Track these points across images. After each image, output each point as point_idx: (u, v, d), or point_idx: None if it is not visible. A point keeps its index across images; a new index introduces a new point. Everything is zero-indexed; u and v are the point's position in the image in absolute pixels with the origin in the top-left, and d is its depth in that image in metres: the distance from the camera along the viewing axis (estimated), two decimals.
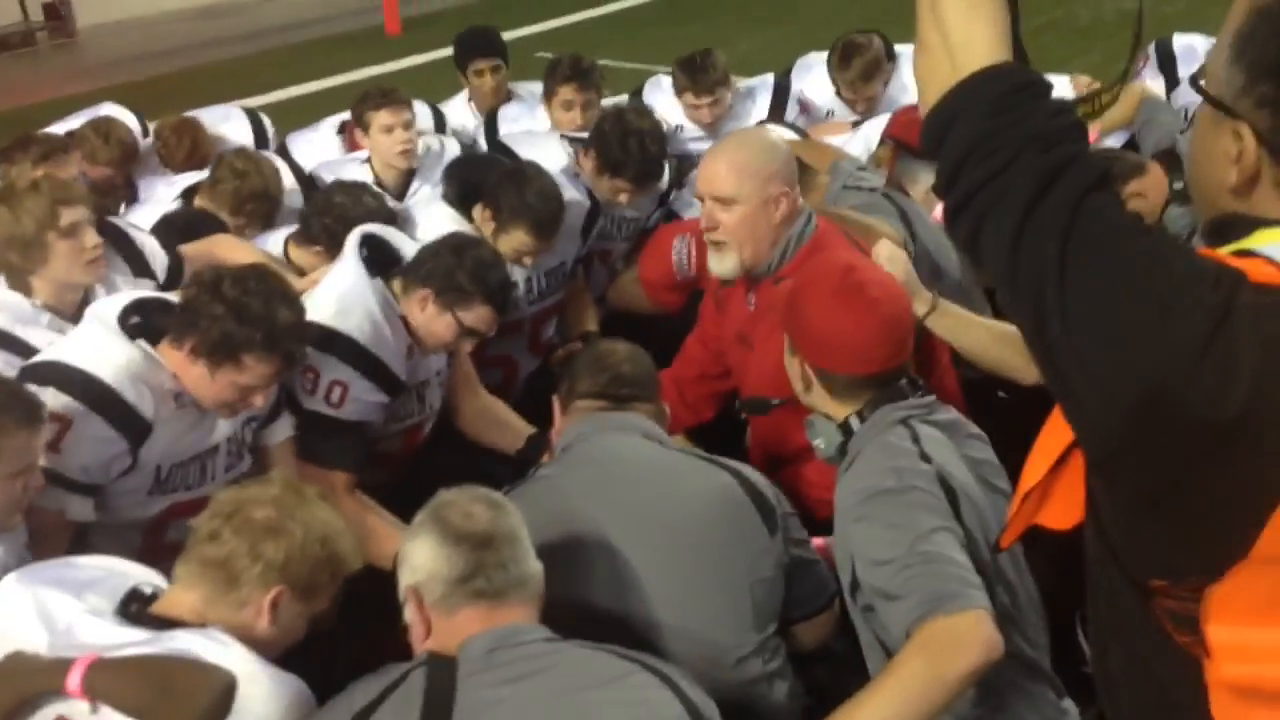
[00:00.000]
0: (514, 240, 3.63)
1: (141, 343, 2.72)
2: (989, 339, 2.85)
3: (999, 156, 1.32)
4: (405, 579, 2.07)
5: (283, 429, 3.08)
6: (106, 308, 2.78)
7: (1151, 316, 1.25)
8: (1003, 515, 2.28)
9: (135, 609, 2.09)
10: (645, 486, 2.47)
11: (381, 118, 4.46)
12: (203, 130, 5.05)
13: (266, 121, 5.49)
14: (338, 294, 3.14)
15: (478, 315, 3.20)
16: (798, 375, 2.53)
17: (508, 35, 11.27)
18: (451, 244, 3.24)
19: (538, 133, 4.72)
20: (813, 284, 2.56)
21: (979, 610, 1.97)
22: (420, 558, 2.05)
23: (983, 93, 1.35)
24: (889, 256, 2.86)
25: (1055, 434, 1.47)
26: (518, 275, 3.74)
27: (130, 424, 2.66)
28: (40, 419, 2.44)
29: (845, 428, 2.44)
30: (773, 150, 3.11)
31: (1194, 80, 1.38)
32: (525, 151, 4.16)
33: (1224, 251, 1.35)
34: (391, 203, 4.09)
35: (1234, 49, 1.35)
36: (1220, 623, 1.33)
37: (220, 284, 2.71)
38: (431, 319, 3.20)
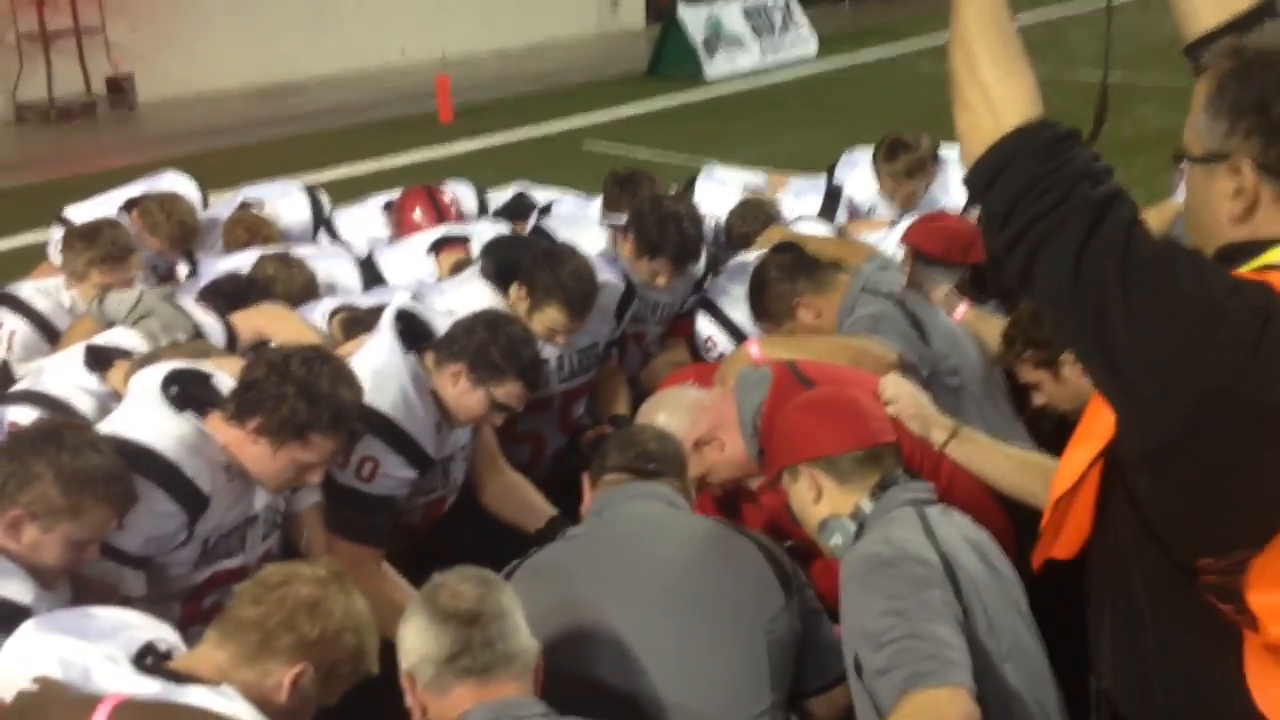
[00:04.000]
0: (547, 318, 3.69)
1: (190, 415, 2.77)
2: (1008, 466, 2.89)
3: (1054, 194, 1.56)
4: (401, 665, 2.14)
5: (309, 494, 3.11)
6: (149, 379, 2.83)
7: (1209, 320, 1.48)
8: (1005, 593, 2.36)
9: (150, 662, 2.12)
10: (664, 548, 2.57)
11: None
12: (270, 225, 5.16)
13: (324, 197, 5.61)
14: (372, 369, 3.16)
15: (509, 391, 3.25)
16: (806, 492, 2.56)
17: (556, 127, 11.70)
18: (485, 320, 3.29)
19: (577, 216, 4.81)
20: (777, 415, 2.74)
21: (957, 686, 2.02)
22: (411, 641, 2.12)
23: (1031, 142, 1.60)
24: (893, 394, 2.94)
25: (1082, 447, 1.70)
26: (550, 353, 3.79)
27: (190, 498, 2.70)
28: (129, 509, 2.55)
29: (857, 515, 2.48)
30: (675, 416, 3.10)
31: (1177, 158, 1.71)
32: (564, 234, 4.25)
33: (1243, 270, 1.57)
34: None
35: (1209, 109, 1.63)
36: (1262, 590, 1.53)
37: (289, 364, 2.76)
38: (464, 394, 3.25)
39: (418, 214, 5.24)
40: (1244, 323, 1.48)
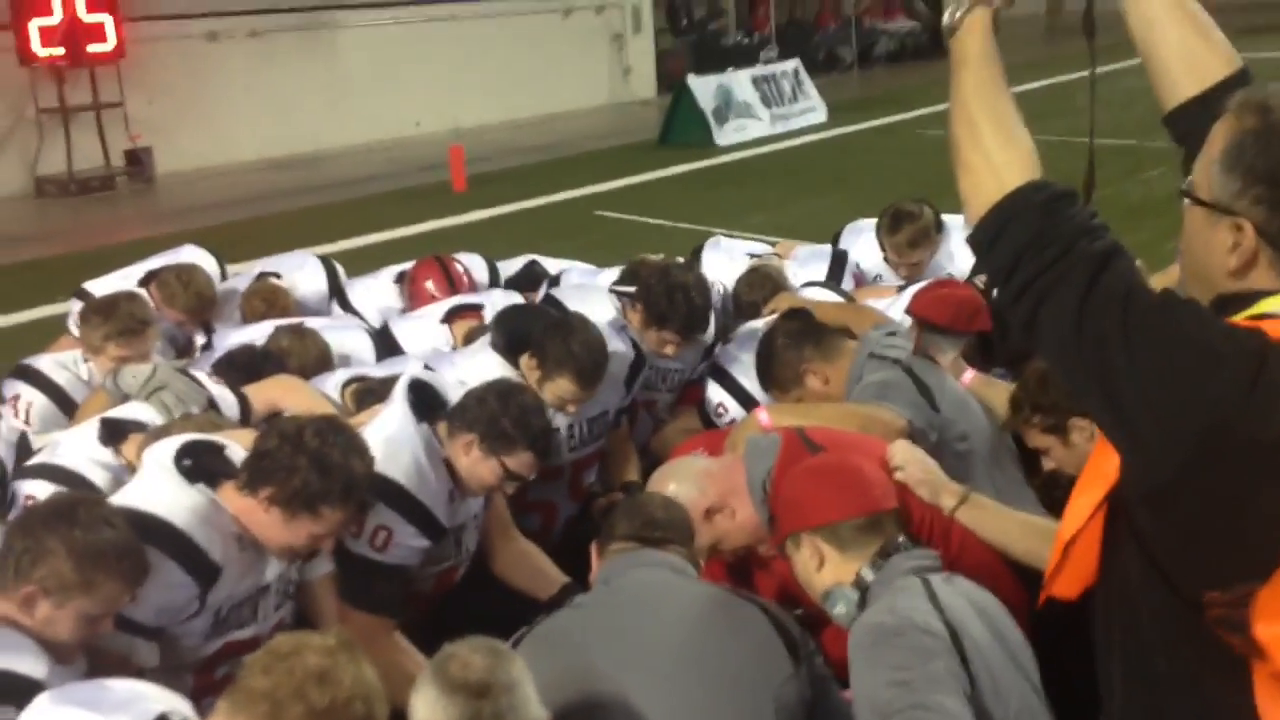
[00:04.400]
0: (558, 388, 3.73)
1: (202, 486, 2.80)
2: (1019, 531, 2.91)
3: (1056, 247, 1.65)
4: None
5: (323, 564, 3.12)
6: (163, 452, 2.86)
7: (1207, 363, 1.57)
8: (1012, 659, 2.35)
9: None
10: (671, 615, 2.57)
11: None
12: (287, 296, 5.22)
13: (340, 269, 5.68)
14: (385, 439, 3.19)
15: (521, 460, 3.28)
16: (809, 560, 2.57)
17: (567, 195, 11.83)
18: (496, 390, 3.33)
19: (587, 286, 4.86)
20: (784, 480, 2.76)
21: None
22: (421, 712, 2.12)
23: (1032, 200, 1.70)
24: (902, 460, 2.96)
25: (1088, 492, 1.79)
26: (560, 422, 3.83)
27: (202, 569, 2.72)
28: (141, 582, 2.57)
29: (859, 583, 2.49)
30: (684, 484, 3.10)
31: (1183, 193, 1.78)
32: (574, 304, 4.30)
33: (1236, 318, 1.66)
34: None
35: (1225, 162, 1.69)
36: (1267, 621, 1.59)
37: (302, 435, 2.78)
38: (476, 463, 3.28)
39: (430, 285, 5.29)
40: (1240, 365, 1.56)
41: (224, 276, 5.46)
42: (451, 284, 5.27)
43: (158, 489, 2.77)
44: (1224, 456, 1.57)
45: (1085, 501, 1.80)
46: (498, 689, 2.10)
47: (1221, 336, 1.60)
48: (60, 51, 12.41)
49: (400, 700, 2.25)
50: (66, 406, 4.10)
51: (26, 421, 4.01)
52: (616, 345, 4.03)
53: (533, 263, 5.74)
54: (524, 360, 3.84)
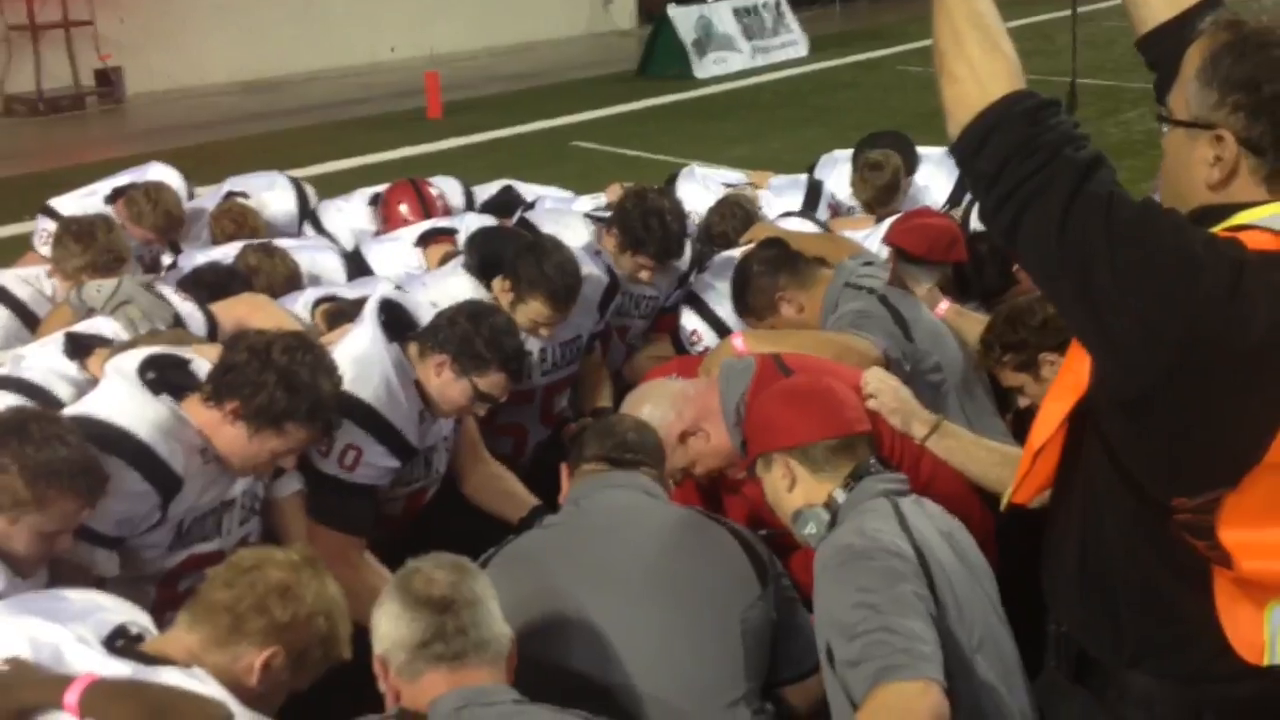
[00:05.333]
0: (531, 311, 3.69)
1: (166, 398, 2.77)
2: (990, 461, 2.90)
3: (1041, 154, 1.66)
4: (374, 649, 2.14)
5: (291, 482, 3.11)
6: (126, 363, 2.83)
7: (1188, 271, 1.59)
8: (977, 584, 2.36)
9: (122, 644, 2.12)
10: (641, 536, 2.58)
11: None
12: (256, 216, 5.14)
13: (310, 190, 5.60)
14: (354, 358, 3.18)
15: (493, 381, 3.26)
16: (779, 481, 2.56)
17: (544, 125, 11.71)
18: (469, 311, 3.30)
19: (561, 210, 4.82)
20: (757, 401, 2.76)
21: (928, 680, 2.01)
22: (384, 626, 2.11)
23: (1016, 109, 1.71)
24: (875, 388, 2.94)
25: (1059, 400, 1.83)
26: (532, 345, 3.79)
27: (164, 479, 2.70)
28: (98, 499, 2.52)
29: (830, 504, 2.47)
30: (659, 407, 3.08)
31: (1160, 119, 1.84)
32: (548, 228, 4.25)
33: (1214, 230, 1.68)
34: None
35: (1201, 78, 1.73)
36: (1233, 526, 1.64)
37: (270, 351, 2.75)
38: (447, 384, 3.26)
39: (404, 208, 5.24)
40: (1220, 273, 1.58)
41: (191, 195, 5.38)
42: (425, 207, 5.22)
43: (120, 399, 2.73)
44: (1202, 364, 1.59)
45: (1056, 409, 1.83)
46: (460, 604, 2.10)
47: (1202, 245, 1.62)
48: None
49: (369, 617, 2.24)
50: (30, 321, 4.03)
51: None
52: (591, 269, 4.00)
53: (508, 188, 5.68)
54: (497, 282, 3.80)
